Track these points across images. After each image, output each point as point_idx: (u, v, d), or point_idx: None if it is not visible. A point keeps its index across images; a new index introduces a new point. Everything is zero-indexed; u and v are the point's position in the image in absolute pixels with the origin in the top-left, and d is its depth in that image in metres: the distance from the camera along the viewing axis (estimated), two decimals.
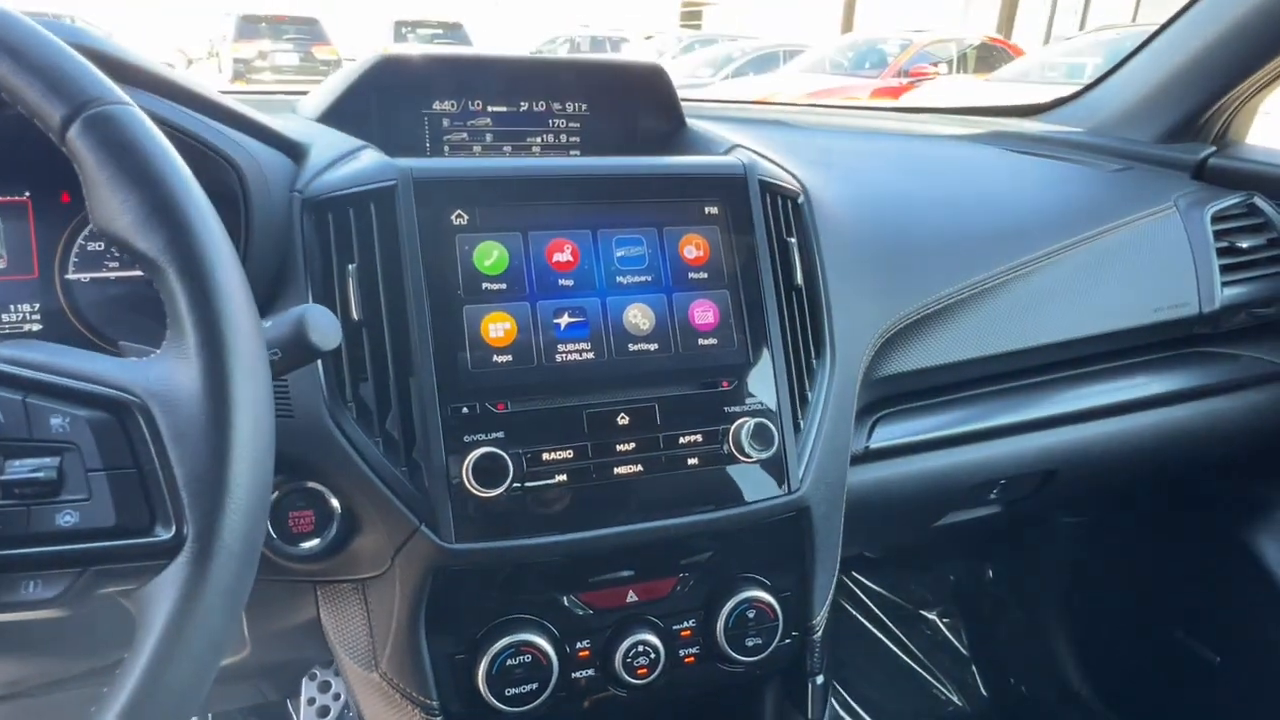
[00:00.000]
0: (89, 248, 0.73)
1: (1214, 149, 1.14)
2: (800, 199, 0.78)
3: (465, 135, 0.96)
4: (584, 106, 1.00)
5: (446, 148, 0.95)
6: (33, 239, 0.71)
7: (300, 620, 0.70)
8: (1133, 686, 1.37)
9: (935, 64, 9.98)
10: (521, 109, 0.98)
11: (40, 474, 0.38)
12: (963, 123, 1.31)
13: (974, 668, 1.59)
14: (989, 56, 10.31)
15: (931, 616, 1.65)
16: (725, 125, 1.00)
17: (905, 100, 7.87)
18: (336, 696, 1.23)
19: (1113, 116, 1.23)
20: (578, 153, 1.00)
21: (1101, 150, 1.20)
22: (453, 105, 0.96)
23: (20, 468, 0.38)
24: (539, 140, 0.99)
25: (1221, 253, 1.01)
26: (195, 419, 0.39)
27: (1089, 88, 1.34)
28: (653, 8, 28.05)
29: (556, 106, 0.99)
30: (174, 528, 0.38)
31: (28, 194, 0.71)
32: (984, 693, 1.57)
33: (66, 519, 0.38)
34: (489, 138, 0.97)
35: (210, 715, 1.23)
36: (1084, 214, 1.00)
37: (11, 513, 0.38)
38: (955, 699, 1.55)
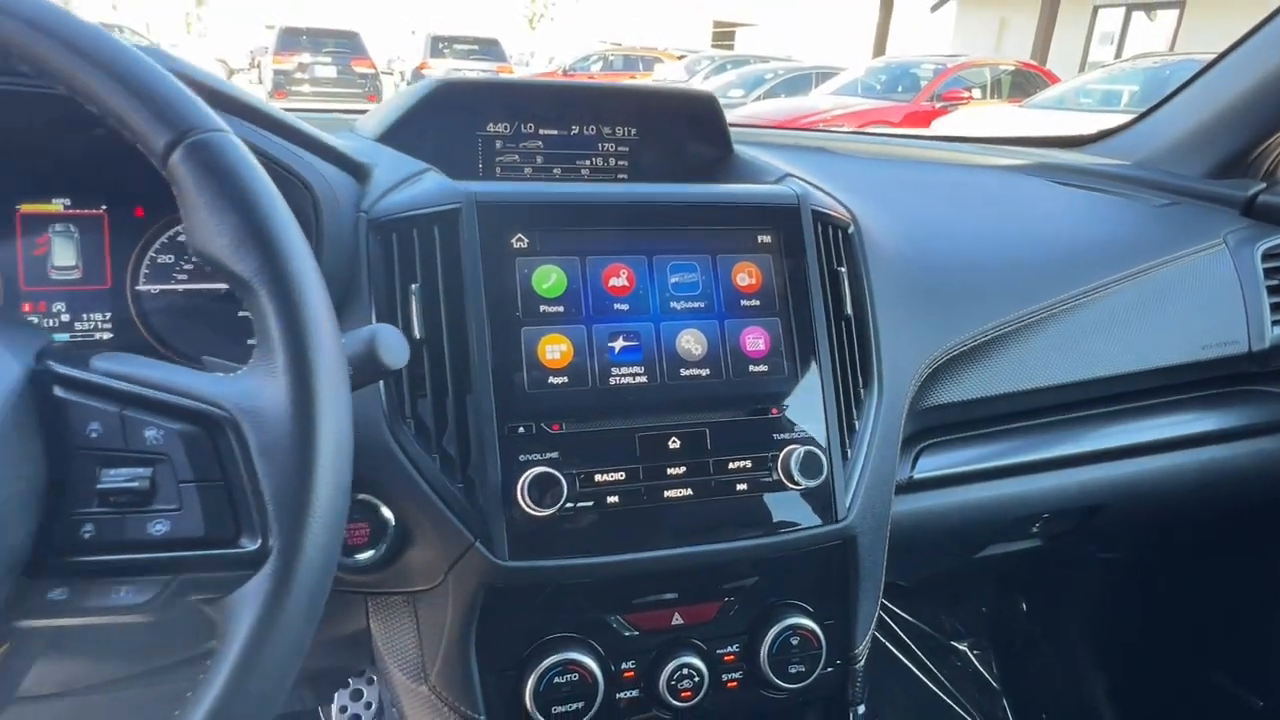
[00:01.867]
0: (159, 260, 0.75)
1: (1264, 185, 1.13)
2: (850, 229, 0.78)
3: (517, 157, 0.98)
4: (633, 131, 1.01)
5: (498, 169, 0.97)
6: (107, 251, 0.74)
7: (349, 630, 0.71)
8: None
9: (969, 89, 9.96)
10: (572, 132, 0.99)
11: (134, 484, 0.39)
12: (1007, 153, 1.31)
13: (1004, 701, 1.57)
14: (1023, 82, 10.27)
15: (962, 648, 1.63)
16: (773, 153, 1.01)
17: (938, 124, 7.84)
18: (369, 705, 1.25)
19: (1160, 150, 1.23)
20: (625, 177, 1.01)
21: (1148, 184, 1.20)
22: (505, 128, 0.98)
23: (115, 477, 0.39)
24: (588, 163, 1.01)
25: (1272, 290, 1.00)
26: (282, 435, 0.40)
27: (1135, 120, 1.34)
28: (685, 27, 28.28)
29: (606, 131, 1.01)
30: (260, 539, 0.40)
31: (104, 208, 0.73)
32: None
33: (158, 528, 0.39)
34: (539, 160, 0.99)
35: None
36: (1132, 248, 1.00)
37: (106, 520, 0.39)
38: None
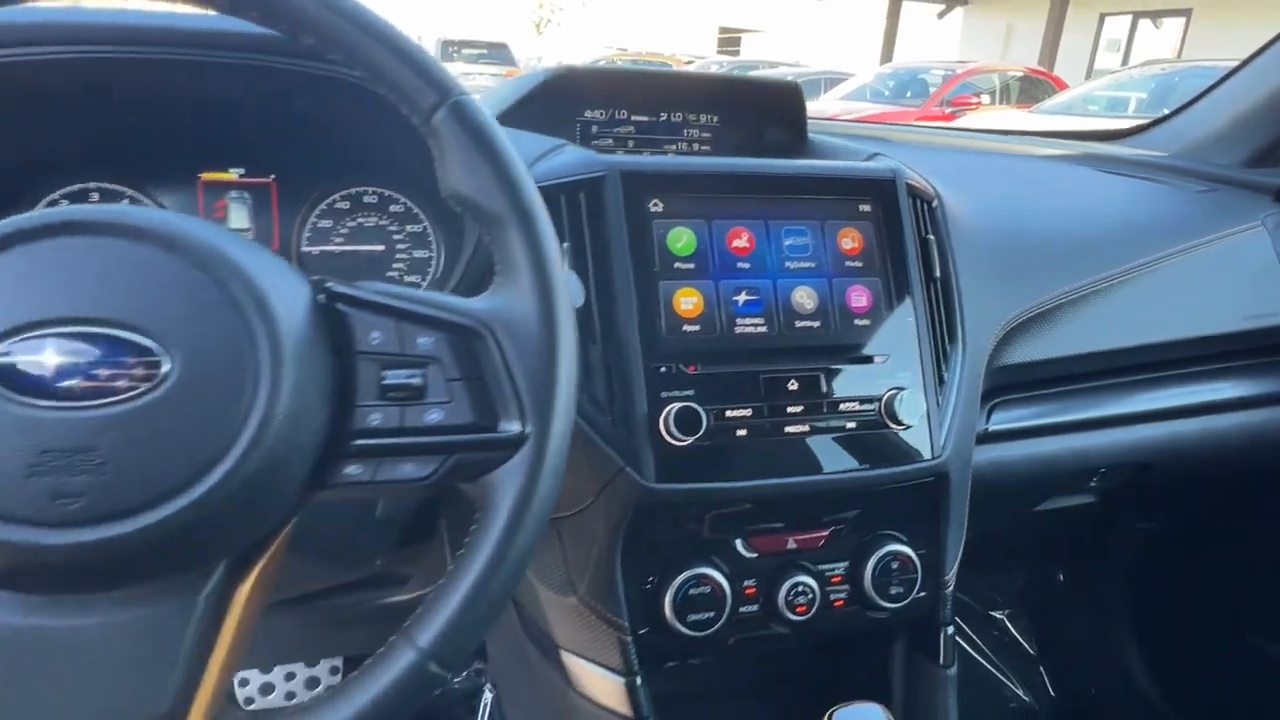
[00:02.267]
0: (319, 225, 0.84)
1: None
2: (935, 202, 0.87)
3: (610, 141, 1.07)
4: (715, 118, 1.10)
5: (594, 150, 1.06)
6: (275, 215, 0.82)
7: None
8: (1203, 688, 1.43)
9: (978, 94, 10.05)
10: (661, 119, 1.08)
11: (412, 380, 0.48)
12: (1054, 145, 1.40)
13: (1041, 668, 1.65)
14: (1031, 89, 10.37)
15: (1000, 617, 1.71)
16: (847, 140, 1.10)
17: None
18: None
19: (1196, 142, 1.31)
20: None
21: (1184, 173, 1.28)
22: (602, 114, 1.07)
23: (396, 376, 0.48)
24: (674, 148, 1.09)
25: None
26: (532, 339, 0.49)
27: (1169, 116, 1.42)
28: (691, 33, 28.39)
29: (691, 117, 1.10)
30: (518, 425, 0.48)
31: (273, 177, 0.82)
32: (1052, 692, 1.62)
33: (433, 416, 0.48)
34: (630, 144, 1.08)
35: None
36: (1178, 228, 1.08)
37: (391, 410, 0.48)
38: (1024, 696, 1.61)
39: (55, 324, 0.41)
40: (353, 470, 0.47)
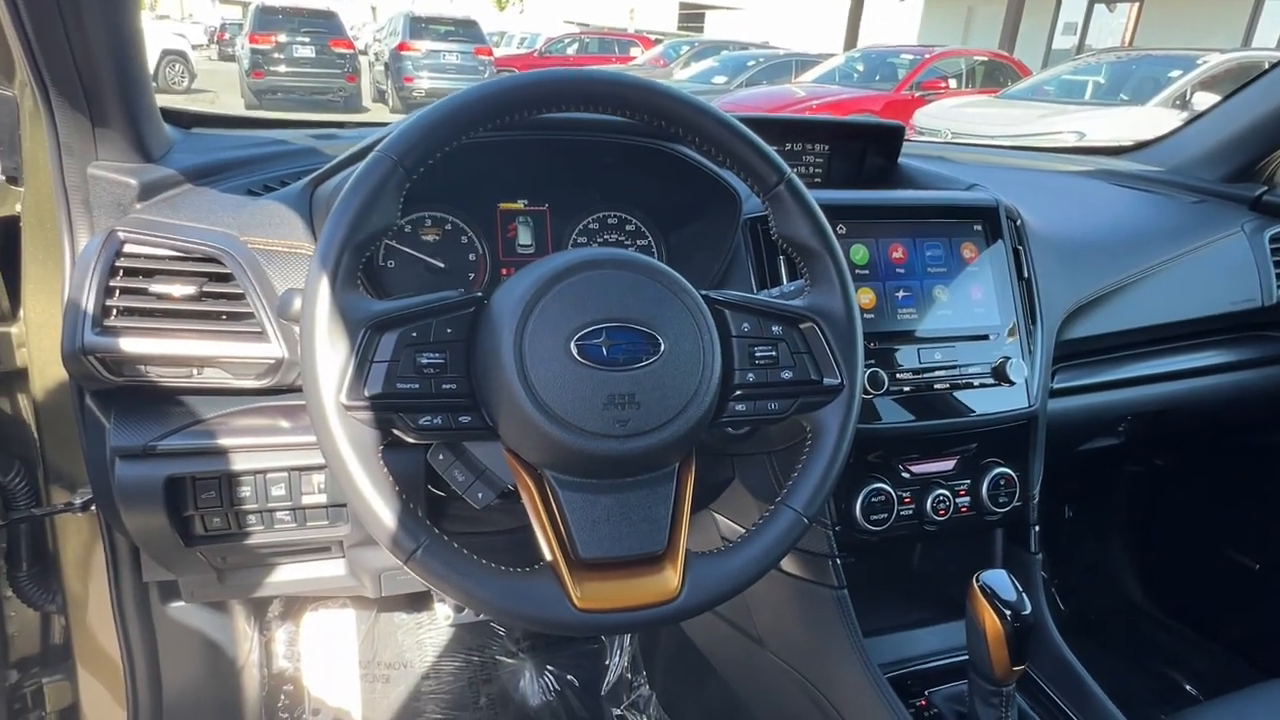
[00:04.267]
0: (578, 240, 1.13)
1: (1266, 188, 1.56)
2: (1019, 220, 1.19)
3: None
4: (826, 148, 1.40)
5: None
6: (548, 234, 1.11)
7: (716, 480, 1.10)
8: (1187, 597, 1.80)
9: (945, 78, 10.46)
10: (786, 148, 1.38)
11: (771, 352, 0.78)
12: (1072, 160, 1.73)
13: (1053, 589, 2.01)
14: (995, 72, 10.80)
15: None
16: (925, 162, 1.41)
17: (919, 114, 8.30)
18: None
19: (1188, 160, 1.66)
20: (820, 180, 1.40)
21: (1180, 186, 1.62)
22: None
23: (762, 349, 0.78)
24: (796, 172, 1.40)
25: (1278, 264, 1.43)
26: (841, 325, 0.79)
27: (1166, 136, 1.76)
28: (651, 10, 28.39)
29: (807, 147, 1.40)
30: (837, 379, 0.79)
31: (547, 205, 1.11)
32: (1061, 608, 1.99)
33: (785, 374, 0.78)
34: None
35: None
36: (1178, 234, 1.42)
37: (759, 370, 0.77)
38: None
39: (605, 322, 0.70)
40: (738, 408, 0.77)
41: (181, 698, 1.28)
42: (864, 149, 1.42)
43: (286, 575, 1.11)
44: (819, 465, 0.77)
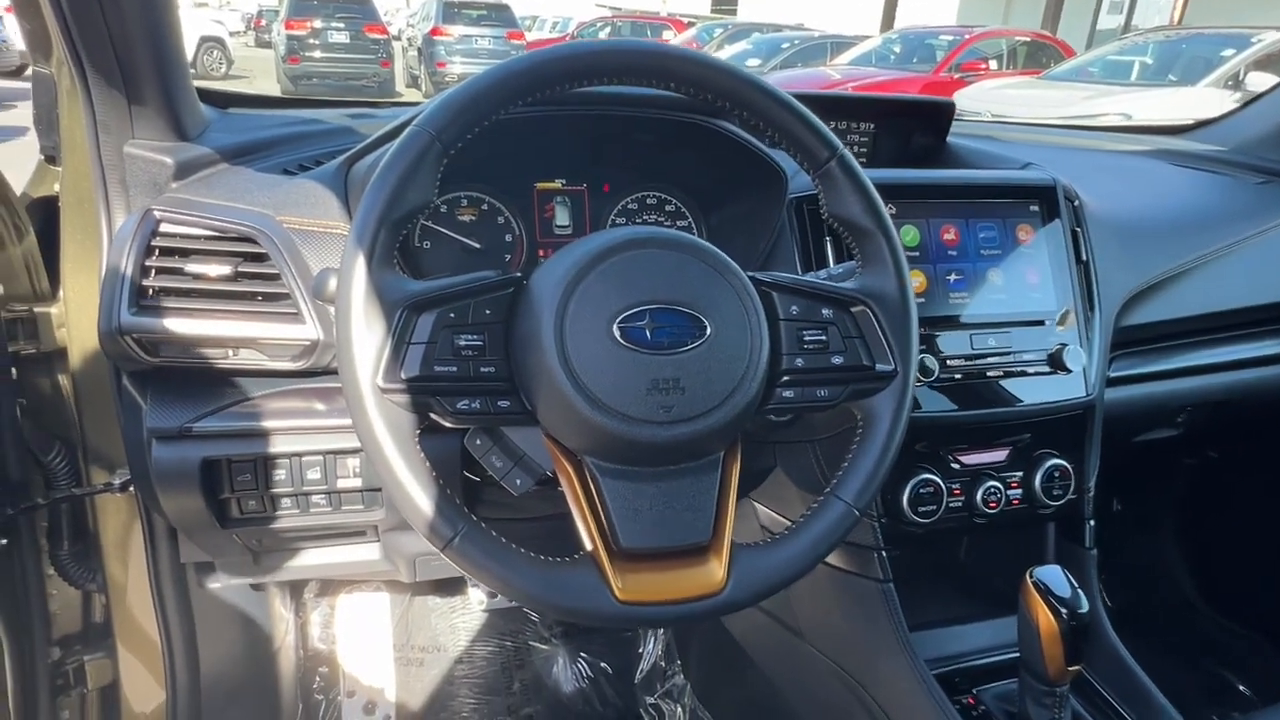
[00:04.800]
0: (616, 221, 1.10)
1: None
2: (1077, 201, 1.13)
3: None
4: (872, 127, 1.36)
5: None
6: (586, 213, 1.08)
7: (758, 468, 1.07)
8: (1244, 595, 1.74)
9: (985, 60, 10.22)
10: (830, 126, 1.33)
11: (821, 337, 0.74)
12: (1128, 140, 1.66)
13: (1101, 585, 1.95)
14: (1037, 53, 10.54)
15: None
16: (976, 142, 1.36)
17: (959, 96, 8.12)
18: None
19: (1253, 139, 1.57)
20: (865, 160, 1.36)
21: (1243, 166, 1.54)
22: None
23: (811, 334, 0.74)
24: None
25: None
26: (895, 308, 0.75)
27: (1228, 115, 1.68)
28: None
29: (853, 125, 1.35)
30: (890, 365, 0.75)
31: (584, 185, 1.08)
32: (1109, 604, 1.93)
33: (836, 359, 0.75)
34: None
35: None
36: (1244, 216, 1.35)
37: (806, 356, 0.74)
38: None
39: (649, 304, 0.67)
40: (786, 394, 0.74)
41: (219, 677, 1.29)
42: (911, 128, 1.37)
43: (321, 558, 1.10)
44: (870, 455, 0.74)
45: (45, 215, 1.12)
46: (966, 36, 10.28)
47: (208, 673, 1.28)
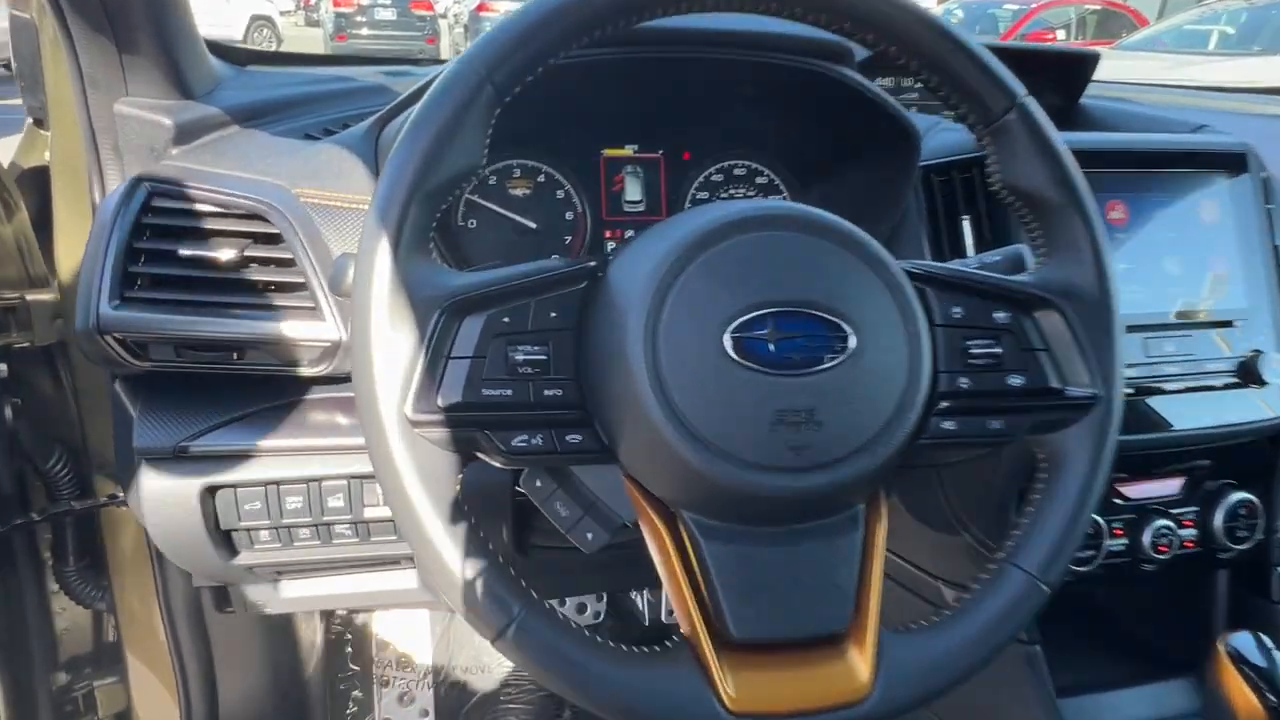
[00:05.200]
0: (698, 196, 0.91)
1: None
2: (1265, 173, 0.92)
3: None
4: None
5: None
6: (662, 186, 0.90)
7: None
8: None
9: (1051, 30, 9.72)
10: None
11: (995, 349, 0.56)
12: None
13: None
14: (1108, 22, 9.99)
15: None
16: (1118, 104, 1.14)
17: None
18: None
19: None
20: None
21: None
22: (891, 81, 1.13)
23: (979, 345, 0.55)
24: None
25: None
26: (1095, 311, 0.56)
27: None
28: None
29: None
30: (1088, 388, 0.56)
31: (660, 153, 0.89)
32: None
33: (1014, 380, 0.56)
34: (914, 109, 1.13)
35: None
36: None
37: (976, 375, 0.55)
38: None
39: (772, 306, 0.49)
40: (946, 425, 0.55)
41: (239, 709, 1.15)
42: (1039, 84, 1.15)
43: (351, 588, 0.95)
44: (1060, 511, 0.55)
45: (38, 188, 0.97)
46: (1033, 5, 9.79)
47: (227, 703, 1.14)
